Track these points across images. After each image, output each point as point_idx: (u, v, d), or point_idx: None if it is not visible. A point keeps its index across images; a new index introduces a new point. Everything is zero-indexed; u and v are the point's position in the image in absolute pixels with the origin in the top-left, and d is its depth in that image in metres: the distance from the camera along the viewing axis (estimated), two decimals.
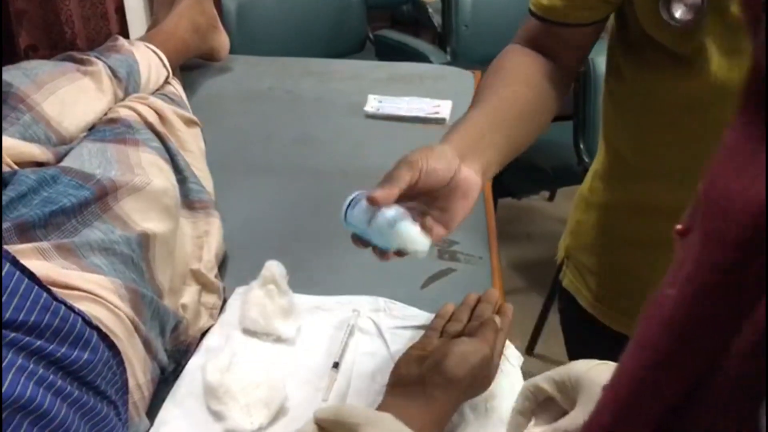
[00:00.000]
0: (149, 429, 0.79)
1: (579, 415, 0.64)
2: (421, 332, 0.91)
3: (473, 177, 0.76)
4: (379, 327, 0.95)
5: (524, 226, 3.06)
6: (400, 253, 0.73)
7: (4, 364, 0.58)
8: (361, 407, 0.59)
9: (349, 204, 0.74)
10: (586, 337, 1.13)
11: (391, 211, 0.70)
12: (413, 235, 0.70)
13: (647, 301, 0.35)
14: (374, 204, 0.69)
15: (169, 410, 0.81)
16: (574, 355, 1.21)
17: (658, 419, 0.33)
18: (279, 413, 0.81)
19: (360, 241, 0.76)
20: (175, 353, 0.88)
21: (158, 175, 0.95)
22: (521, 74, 0.89)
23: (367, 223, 0.71)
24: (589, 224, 1.06)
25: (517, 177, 2.43)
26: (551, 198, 3.14)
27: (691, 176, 0.87)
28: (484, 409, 0.82)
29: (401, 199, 0.71)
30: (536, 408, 0.69)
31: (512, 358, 0.91)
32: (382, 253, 0.74)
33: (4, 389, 0.57)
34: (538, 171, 2.40)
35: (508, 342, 0.90)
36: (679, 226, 0.34)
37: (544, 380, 0.68)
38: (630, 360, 0.36)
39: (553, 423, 0.66)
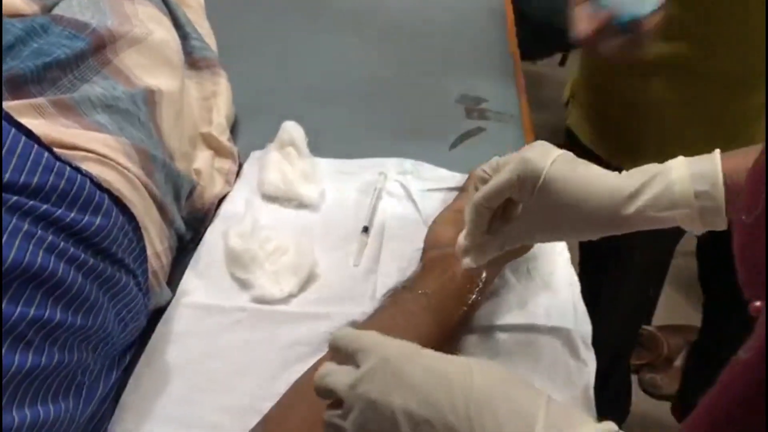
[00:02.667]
0: (171, 299, 0.74)
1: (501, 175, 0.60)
2: (454, 194, 0.85)
3: None
4: (408, 190, 0.89)
5: (535, 92, 2.94)
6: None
7: (9, 231, 0.52)
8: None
9: None
10: None
11: None
12: None
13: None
14: None
15: (190, 280, 0.76)
16: None
17: None
18: (308, 280, 0.76)
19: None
20: (192, 221, 0.82)
21: (158, 28, 0.85)
22: None
23: None
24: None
25: (533, 38, 2.29)
26: (563, 62, 3.01)
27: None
28: (526, 271, 0.77)
29: None
30: None
31: None
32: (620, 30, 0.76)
33: (11, 257, 0.50)
34: (555, 31, 2.27)
35: None
36: (757, 304, 0.34)
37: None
38: (702, 413, 0.37)
39: None
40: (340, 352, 0.48)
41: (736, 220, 0.38)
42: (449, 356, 0.47)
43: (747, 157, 0.56)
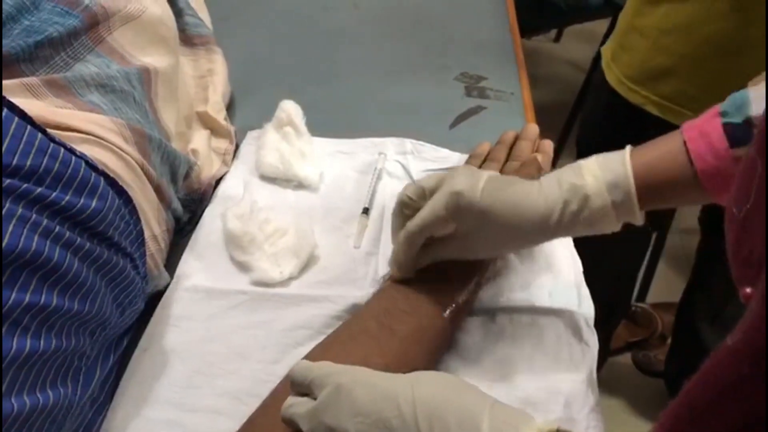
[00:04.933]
0: (169, 283, 0.73)
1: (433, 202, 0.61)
2: None
3: None
4: (408, 170, 0.88)
5: (529, 68, 2.92)
6: None
7: (3, 215, 0.50)
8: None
9: None
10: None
11: None
12: None
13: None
14: None
15: (188, 263, 0.75)
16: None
17: None
18: (309, 262, 0.74)
19: None
20: (189, 202, 0.80)
21: (152, 4, 0.83)
22: None
23: None
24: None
25: (529, 13, 2.28)
26: (557, 39, 2.99)
27: None
28: (528, 253, 0.76)
29: None
30: None
31: None
32: None
33: (6, 242, 0.49)
34: (551, 6, 2.25)
35: None
36: (748, 290, 0.35)
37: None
38: (682, 399, 0.37)
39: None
40: (297, 385, 0.51)
41: (728, 214, 0.38)
42: (396, 374, 0.49)
43: (658, 148, 0.61)
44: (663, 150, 0.60)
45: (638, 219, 0.60)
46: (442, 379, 0.49)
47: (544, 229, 0.60)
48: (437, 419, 0.44)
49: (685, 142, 0.59)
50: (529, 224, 0.60)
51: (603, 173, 0.59)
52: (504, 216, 0.60)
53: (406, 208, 0.64)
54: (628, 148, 0.61)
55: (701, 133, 0.58)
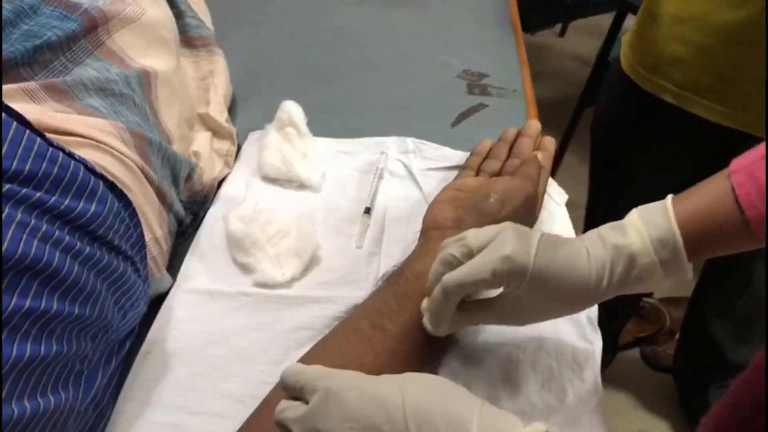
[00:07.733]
0: (172, 285, 0.73)
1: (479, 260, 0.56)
2: (455, 173, 0.83)
3: None
4: (410, 169, 0.87)
5: (534, 64, 2.92)
6: None
7: (2, 220, 0.50)
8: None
9: None
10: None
11: None
12: None
13: None
14: None
15: (191, 265, 0.75)
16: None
17: None
18: (311, 263, 0.74)
19: None
20: (191, 204, 0.80)
21: (152, 6, 0.83)
22: None
23: None
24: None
25: (533, 8, 2.28)
26: (562, 33, 2.98)
27: None
28: None
29: None
30: None
31: (556, 196, 0.84)
32: None
33: (5, 248, 0.49)
34: (555, 1, 2.25)
35: (550, 179, 0.83)
36: None
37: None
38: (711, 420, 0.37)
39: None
40: (289, 389, 0.51)
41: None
42: (385, 377, 0.49)
43: (702, 195, 0.57)
44: (709, 197, 0.56)
45: (687, 275, 0.57)
46: (431, 382, 0.48)
47: (595, 294, 0.57)
48: (426, 424, 0.44)
49: (733, 188, 0.55)
50: (581, 290, 0.57)
51: (647, 230, 0.56)
52: (554, 279, 0.56)
53: (448, 267, 0.57)
54: (670, 198, 0.58)
55: (750, 177, 0.54)
